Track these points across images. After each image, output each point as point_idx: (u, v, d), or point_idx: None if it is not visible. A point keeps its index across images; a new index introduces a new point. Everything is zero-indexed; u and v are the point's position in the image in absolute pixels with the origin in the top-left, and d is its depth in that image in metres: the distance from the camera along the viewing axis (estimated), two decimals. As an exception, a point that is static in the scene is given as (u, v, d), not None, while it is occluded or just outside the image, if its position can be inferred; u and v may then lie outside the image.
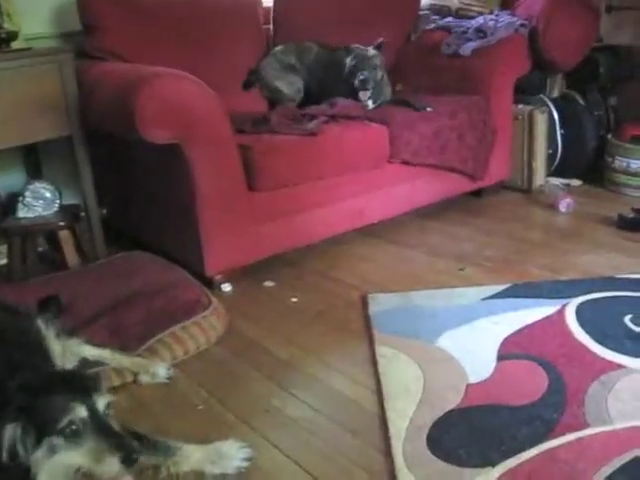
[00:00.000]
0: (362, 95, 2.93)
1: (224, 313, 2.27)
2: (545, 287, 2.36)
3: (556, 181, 3.50)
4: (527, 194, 3.42)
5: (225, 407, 1.83)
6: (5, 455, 1.24)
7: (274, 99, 3.08)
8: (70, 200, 2.84)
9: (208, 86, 2.31)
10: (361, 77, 2.90)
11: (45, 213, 2.62)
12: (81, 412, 1.28)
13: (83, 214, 2.73)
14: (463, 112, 3.00)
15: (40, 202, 2.61)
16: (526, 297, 2.29)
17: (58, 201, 2.64)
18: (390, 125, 2.80)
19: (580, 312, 2.16)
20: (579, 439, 1.57)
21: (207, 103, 2.30)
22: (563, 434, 1.59)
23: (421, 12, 3.62)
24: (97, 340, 1.98)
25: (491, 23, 3.23)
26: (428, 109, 2.94)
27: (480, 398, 1.76)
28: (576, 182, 3.52)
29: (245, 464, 1.57)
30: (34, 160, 2.88)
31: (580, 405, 1.69)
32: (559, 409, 1.68)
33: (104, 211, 2.85)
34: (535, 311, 2.18)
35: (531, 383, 1.81)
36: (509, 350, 1.98)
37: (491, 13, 3.41)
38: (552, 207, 3.20)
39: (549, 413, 1.67)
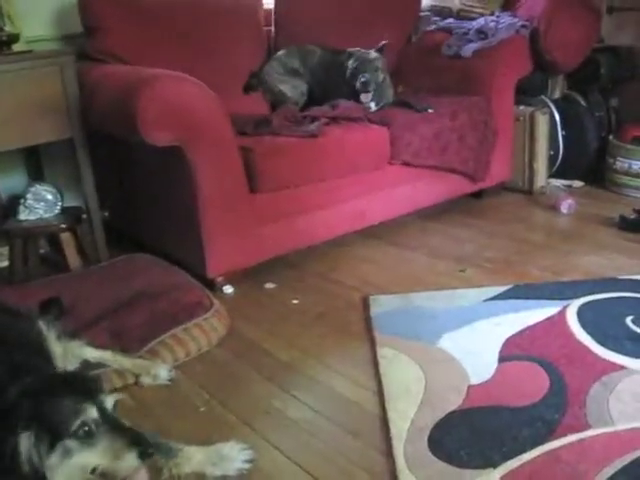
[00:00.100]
0: (364, 97, 2.93)
1: (225, 315, 2.27)
2: (546, 288, 2.36)
3: (557, 182, 3.50)
4: (528, 195, 3.42)
5: (226, 409, 1.83)
6: (27, 466, 1.23)
7: (278, 103, 3.08)
8: (72, 202, 2.84)
9: (209, 88, 2.31)
10: (362, 79, 2.90)
11: (47, 215, 2.63)
12: (92, 413, 1.29)
13: (85, 216, 2.74)
14: (464, 113, 3.00)
15: (42, 204, 2.62)
16: (527, 298, 2.29)
17: (60, 203, 2.65)
18: (391, 126, 2.80)
19: (581, 313, 2.16)
20: (580, 440, 1.57)
21: (208, 105, 2.30)
22: (564, 435, 1.59)
23: (422, 13, 3.62)
24: (98, 342, 1.98)
25: (492, 24, 3.23)
26: (429, 110, 2.94)
27: (481, 399, 1.75)
28: (577, 183, 3.52)
29: (246, 466, 1.57)
30: (36, 162, 2.89)
31: (581, 406, 1.69)
32: (560, 410, 1.68)
33: (106, 213, 2.85)
34: (536, 312, 2.18)
35: (532, 384, 1.81)
36: (510, 351, 1.97)
37: (492, 14, 3.41)
38: (553, 208, 3.20)
39: (550, 414, 1.67)
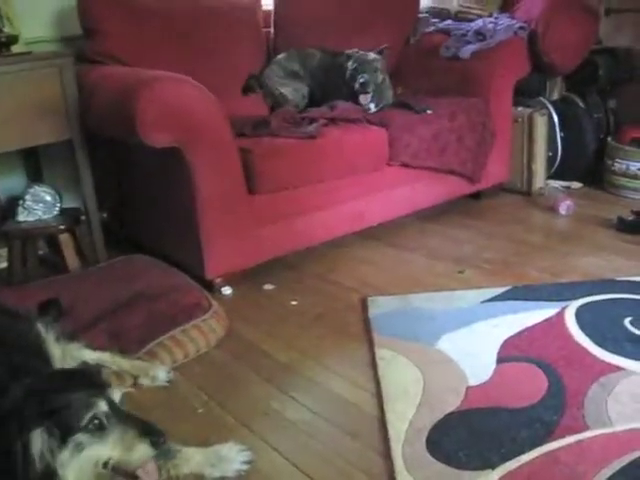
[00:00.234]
0: (362, 98, 2.93)
1: (224, 316, 2.27)
2: (545, 290, 2.36)
3: (556, 184, 3.51)
4: (527, 197, 3.42)
5: (225, 410, 1.83)
6: (40, 464, 1.23)
7: (279, 106, 3.07)
8: (70, 204, 2.84)
9: (208, 90, 2.31)
10: (361, 80, 2.90)
11: (45, 217, 2.63)
12: (102, 406, 1.30)
13: (83, 217, 2.74)
14: (462, 114, 3.01)
15: (40, 206, 2.62)
16: (526, 300, 2.29)
17: (58, 205, 2.65)
18: (389, 128, 2.80)
19: (580, 315, 2.16)
20: (579, 441, 1.57)
21: (207, 107, 2.30)
22: (563, 436, 1.59)
23: (420, 15, 3.62)
24: (97, 344, 1.98)
25: (490, 26, 3.23)
26: (428, 112, 2.95)
27: (480, 401, 1.76)
28: (576, 184, 3.53)
29: (245, 467, 1.57)
30: (34, 164, 2.88)
31: (580, 407, 1.69)
32: (559, 411, 1.68)
33: (104, 214, 2.85)
34: (535, 314, 2.18)
35: (531, 385, 1.81)
36: (509, 353, 1.98)
37: (490, 16, 3.41)
38: (552, 210, 3.20)
39: (549, 415, 1.67)
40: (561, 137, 3.48)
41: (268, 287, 2.56)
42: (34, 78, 2.44)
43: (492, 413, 1.70)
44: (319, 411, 1.80)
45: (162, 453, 1.51)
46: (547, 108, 3.44)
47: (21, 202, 2.61)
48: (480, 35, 3.22)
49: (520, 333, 2.08)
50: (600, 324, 2.09)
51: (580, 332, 2.05)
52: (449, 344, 2.04)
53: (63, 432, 1.26)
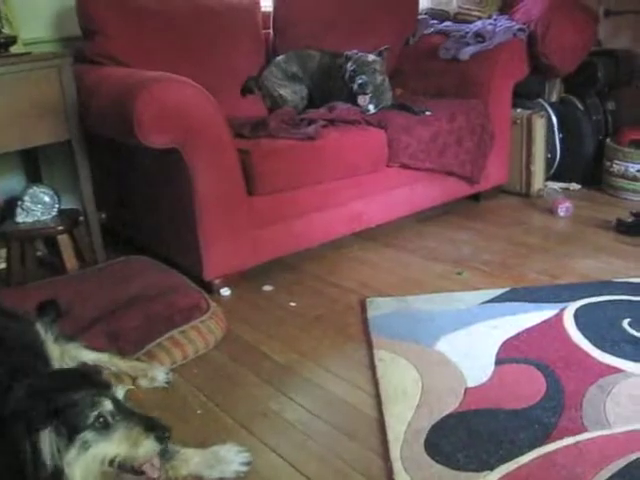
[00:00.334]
0: (361, 99, 2.93)
1: (223, 317, 2.27)
2: (543, 291, 2.36)
3: (555, 185, 3.51)
4: (526, 198, 3.43)
5: (223, 411, 1.83)
6: (50, 463, 1.24)
7: (277, 108, 3.07)
8: (69, 204, 2.84)
9: (207, 91, 2.31)
10: (360, 81, 2.90)
11: (44, 217, 2.63)
12: (108, 404, 1.31)
13: (82, 218, 2.74)
14: (462, 116, 3.01)
15: (39, 206, 2.62)
16: (524, 301, 2.29)
17: (57, 205, 2.65)
18: (388, 129, 2.80)
19: (578, 316, 2.16)
20: (577, 443, 1.57)
21: (206, 108, 2.30)
22: (561, 438, 1.59)
23: (420, 16, 3.63)
24: (96, 344, 1.97)
25: (489, 27, 3.24)
26: (427, 113, 2.95)
27: (478, 402, 1.76)
28: (575, 186, 3.53)
29: (243, 468, 1.57)
30: (33, 164, 2.89)
31: (578, 409, 1.69)
32: (557, 413, 1.68)
33: (103, 215, 2.85)
34: (533, 315, 2.19)
35: (529, 387, 1.81)
36: (507, 354, 1.98)
37: (489, 18, 3.42)
38: (551, 211, 3.21)
39: (547, 417, 1.67)
40: (560, 139, 3.49)
41: (267, 288, 2.56)
42: (33, 79, 2.44)
43: (491, 414, 1.70)
44: (318, 412, 1.80)
45: (161, 454, 1.52)
46: (546, 110, 3.44)
47: (20, 203, 2.61)
48: (479, 37, 3.22)
49: (519, 335, 2.08)
50: (598, 326, 2.09)
51: (578, 334, 2.05)
52: (448, 345, 2.04)
53: (69, 431, 1.27)
